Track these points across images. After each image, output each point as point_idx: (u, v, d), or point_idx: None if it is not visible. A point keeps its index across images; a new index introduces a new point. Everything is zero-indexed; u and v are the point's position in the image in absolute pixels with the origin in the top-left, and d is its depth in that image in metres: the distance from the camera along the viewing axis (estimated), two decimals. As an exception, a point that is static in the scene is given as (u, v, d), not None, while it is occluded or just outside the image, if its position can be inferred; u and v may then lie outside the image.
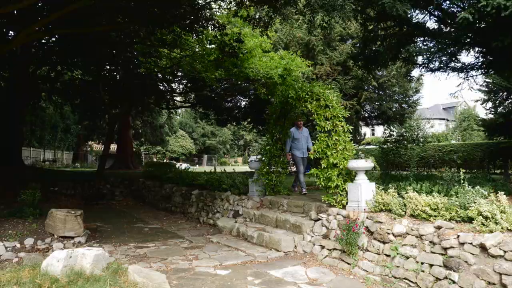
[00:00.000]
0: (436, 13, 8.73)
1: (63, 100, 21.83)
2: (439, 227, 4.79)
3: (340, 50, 16.61)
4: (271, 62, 13.13)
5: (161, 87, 21.46)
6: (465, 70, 10.22)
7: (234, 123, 24.62)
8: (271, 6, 8.89)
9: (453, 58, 8.72)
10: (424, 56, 8.78)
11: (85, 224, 7.54)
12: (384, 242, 5.27)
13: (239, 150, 72.62)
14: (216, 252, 6.57)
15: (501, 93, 20.89)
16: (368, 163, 6.30)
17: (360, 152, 6.63)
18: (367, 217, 5.74)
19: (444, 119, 55.96)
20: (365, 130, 32.31)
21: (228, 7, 10.37)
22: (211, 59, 12.09)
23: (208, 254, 6.39)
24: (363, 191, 6.16)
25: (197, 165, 49.67)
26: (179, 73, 18.96)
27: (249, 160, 60.42)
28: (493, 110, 21.75)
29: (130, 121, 26.56)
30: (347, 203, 6.43)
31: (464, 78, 9.89)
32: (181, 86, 22.46)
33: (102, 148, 43.08)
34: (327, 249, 5.99)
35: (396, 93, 19.47)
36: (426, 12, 8.38)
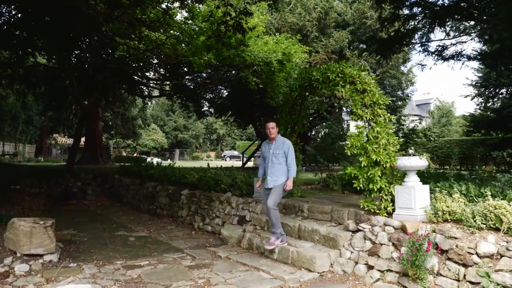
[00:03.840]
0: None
1: (26, 89, 19.61)
2: (552, 248, 3.62)
3: (336, 38, 15.42)
4: (267, 47, 11.75)
5: (135, 76, 19.63)
6: (489, 57, 9.24)
7: (217, 116, 23.04)
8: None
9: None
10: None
11: (56, 233, 5.96)
12: (465, 265, 4.04)
13: (212, 145, 70.91)
14: (231, 273, 5.18)
15: (491, 88, 20.42)
16: (423, 161, 5.08)
17: (411, 148, 5.40)
18: (434, 231, 4.50)
19: (418, 115, 56.33)
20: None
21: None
22: (202, 39, 10.57)
23: (222, 277, 4.99)
24: (417, 196, 4.92)
25: (169, 160, 47.61)
26: (155, 60, 17.28)
27: (222, 155, 58.88)
28: (483, 105, 21.33)
29: (100, 112, 24.51)
30: (393, 210, 5.19)
31: (491, 67, 8.85)
32: (157, 74, 20.70)
33: (68, 141, 40.54)
34: (378, 270, 4.72)
35: (390, 85, 18.52)
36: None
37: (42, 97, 21.34)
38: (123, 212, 10.87)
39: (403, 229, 4.81)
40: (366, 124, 5.64)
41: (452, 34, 8.43)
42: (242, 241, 6.56)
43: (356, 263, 5.03)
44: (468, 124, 25.66)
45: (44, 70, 17.79)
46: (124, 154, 44.56)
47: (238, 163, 26.87)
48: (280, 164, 5.68)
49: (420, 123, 11.48)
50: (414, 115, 56.35)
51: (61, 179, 13.52)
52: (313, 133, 23.28)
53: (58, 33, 13.03)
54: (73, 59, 17.01)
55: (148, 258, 5.92)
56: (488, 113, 20.32)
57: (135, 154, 45.31)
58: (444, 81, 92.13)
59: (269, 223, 6.59)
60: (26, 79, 18.30)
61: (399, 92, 19.58)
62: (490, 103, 20.82)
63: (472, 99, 21.42)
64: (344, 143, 10.29)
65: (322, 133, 17.17)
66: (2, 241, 5.53)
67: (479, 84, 20.69)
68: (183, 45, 12.43)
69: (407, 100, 21.36)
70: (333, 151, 9.59)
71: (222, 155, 58.96)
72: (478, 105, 21.45)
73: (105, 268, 5.33)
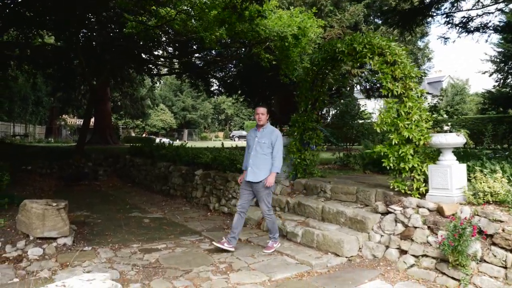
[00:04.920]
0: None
1: (34, 69, 19.33)
2: None
3: (351, 12, 14.82)
4: (281, 21, 11.24)
5: (143, 54, 19.21)
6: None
7: (227, 95, 22.63)
8: None
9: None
10: None
11: (69, 215, 5.70)
12: (513, 251, 3.72)
13: (220, 125, 70.69)
14: (254, 257, 4.91)
15: (511, 63, 19.68)
16: (460, 138, 4.70)
17: (448, 124, 5.02)
18: (476, 214, 4.15)
19: (430, 93, 55.32)
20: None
21: None
22: (214, 14, 10.11)
23: (244, 262, 4.73)
24: (453, 176, 4.57)
25: (177, 140, 47.52)
26: (163, 38, 16.82)
27: (231, 135, 58.54)
28: (501, 81, 20.63)
29: (109, 92, 24.22)
30: (427, 191, 4.85)
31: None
32: (165, 53, 20.23)
33: (77, 122, 40.46)
34: (412, 255, 4.41)
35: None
36: None
37: (51, 77, 21.05)
38: (135, 192, 10.67)
39: (439, 211, 4.47)
40: (396, 98, 5.22)
41: (485, 1, 7.86)
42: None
43: (387, 247, 4.72)
44: (483, 101, 24.99)
45: (52, 50, 17.44)
46: (133, 134, 44.48)
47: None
48: (265, 155, 5.05)
49: (441, 99, 10.98)
50: (427, 93, 55.57)
51: (72, 160, 13.35)
52: (323, 112, 22.81)
53: (65, 10, 12.66)
54: (81, 38, 16.65)
55: (165, 241, 5.68)
56: (508, 90, 19.63)
57: (143, 135, 45.25)
58: (458, 58, 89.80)
59: (288, 206, 6.33)
60: (34, 59, 18.02)
61: (415, 69, 18.92)
62: (510, 79, 20.11)
63: (490, 75, 20.72)
64: (363, 121, 9.91)
65: (336, 111, 16.74)
66: (15, 223, 5.32)
67: (498, 60, 19.95)
68: (193, 20, 11.97)
69: (423, 77, 20.71)
70: (352, 129, 9.23)
71: (231, 135, 58.61)
72: (497, 81, 20.74)
73: (121, 252, 5.10)
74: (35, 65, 18.70)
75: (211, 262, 4.69)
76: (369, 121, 9.97)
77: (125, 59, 17.04)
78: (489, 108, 23.49)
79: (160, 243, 5.55)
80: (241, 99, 23.77)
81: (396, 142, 5.06)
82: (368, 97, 21.55)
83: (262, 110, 5.17)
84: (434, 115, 7.53)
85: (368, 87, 20.16)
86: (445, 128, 4.95)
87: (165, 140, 26.79)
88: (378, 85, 20.43)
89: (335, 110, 15.65)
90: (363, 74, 17.60)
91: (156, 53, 19.90)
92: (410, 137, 4.97)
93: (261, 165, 5.04)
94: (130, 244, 5.48)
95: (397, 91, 5.16)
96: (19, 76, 24.50)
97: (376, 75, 19.30)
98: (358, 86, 21.50)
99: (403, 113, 5.06)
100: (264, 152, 5.06)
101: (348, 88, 21.28)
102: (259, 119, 5.16)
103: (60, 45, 18.35)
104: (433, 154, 5.05)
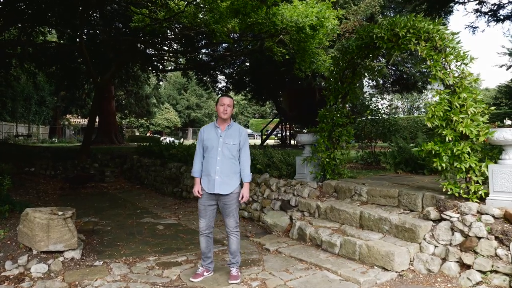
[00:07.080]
0: None
1: (36, 68, 18.79)
2: None
3: (367, 3, 14.14)
4: (296, 12, 10.60)
5: (148, 49, 18.62)
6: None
7: (235, 91, 22.03)
8: None
9: None
10: None
11: (76, 221, 5.09)
12: None
13: (224, 123, 70.10)
14: (289, 272, 4.28)
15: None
16: (528, 134, 4.06)
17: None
18: (559, 223, 3.52)
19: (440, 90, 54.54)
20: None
21: None
22: (226, 4, 9.50)
23: (279, 278, 4.10)
24: (521, 177, 3.95)
25: (182, 139, 46.99)
26: (170, 33, 16.22)
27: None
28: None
29: (113, 91, 23.63)
30: (486, 194, 4.22)
31: None
32: (171, 48, 19.61)
33: (81, 122, 39.97)
34: (478, 270, 3.78)
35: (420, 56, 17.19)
36: None
37: (54, 76, 20.47)
38: (145, 195, 10.08)
39: (508, 218, 3.84)
40: (449, 89, 4.58)
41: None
42: (290, 231, 5.65)
43: (444, 260, 4.09)
44: (496, 96, 24.31)
45: (55, 48, 16.87)
46: (137, 133, 43.95)
47: (253, 142, 26.03)
48: (233, 159, 4.07)
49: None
50: (431, 88, 54.84)
51: (77, 161, 12.80)
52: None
53: (66, 4, 12.11)
54: (84, 36, 16.11)
55: (184, 252, 5.06)
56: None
57: (148, 134, 44.73)
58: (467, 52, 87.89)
59: (319, 210, 5.70)
60: (36, 58, 17.48)
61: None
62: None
63: (508, 68, 19.94)
64: (388, 116, 9.26)
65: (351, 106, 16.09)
66: (16, 235, 4.72)
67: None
68: (200, 15, 11.42)
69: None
70: (377, 125, 8.60)
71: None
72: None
73: (136, 267, 4.48)
74: (37, 63, 18.17)
75: (242, 279, 4.08)
76: (395, 116, 9.35)
77: (131, 55, 16.47)
78: (501, 103, 22.83)
79: (179, 255, 4.94)
80: (249, 96, 23.17)
81: (450, 139, 4.41)
82: (381, 92, 20.88)
83: (229, 101, 4.09)
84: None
85: (381, 81, 19.50)
86: (508, 122, 4.32)
87: (171, 139, 26.22)
88: (391, 79, 19.81)
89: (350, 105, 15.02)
90: (378, 67, 16.93)
91: (163, 48, 19.31)
92: (466, 133, 4.34)
93: (231, 173, 4.06)
94: (146, 256, 4.87)
95: (448, 81, 4.52)
96: (22, 75, 23.99)
97: (393, 68, 18.65)
98: (370, 81, 20.87)
99: (457, 105, 4.42)
100: (233, 156, 4.07)
101: (357, 84, 20.68)
102: (224, 111, 4.04)
103: (63, 43, 17.81)
104: (493, 153, 4.42)
